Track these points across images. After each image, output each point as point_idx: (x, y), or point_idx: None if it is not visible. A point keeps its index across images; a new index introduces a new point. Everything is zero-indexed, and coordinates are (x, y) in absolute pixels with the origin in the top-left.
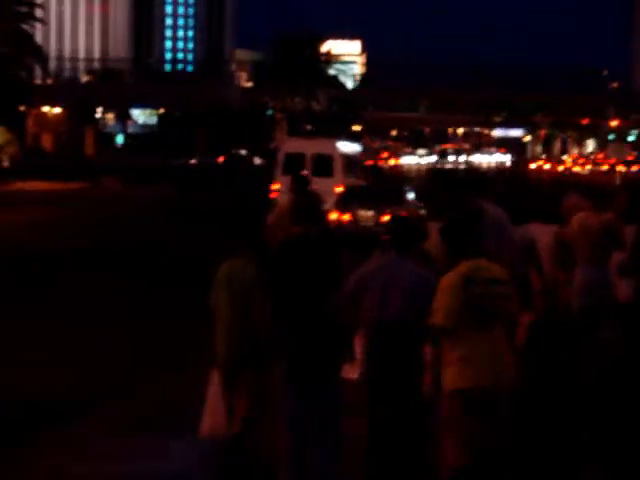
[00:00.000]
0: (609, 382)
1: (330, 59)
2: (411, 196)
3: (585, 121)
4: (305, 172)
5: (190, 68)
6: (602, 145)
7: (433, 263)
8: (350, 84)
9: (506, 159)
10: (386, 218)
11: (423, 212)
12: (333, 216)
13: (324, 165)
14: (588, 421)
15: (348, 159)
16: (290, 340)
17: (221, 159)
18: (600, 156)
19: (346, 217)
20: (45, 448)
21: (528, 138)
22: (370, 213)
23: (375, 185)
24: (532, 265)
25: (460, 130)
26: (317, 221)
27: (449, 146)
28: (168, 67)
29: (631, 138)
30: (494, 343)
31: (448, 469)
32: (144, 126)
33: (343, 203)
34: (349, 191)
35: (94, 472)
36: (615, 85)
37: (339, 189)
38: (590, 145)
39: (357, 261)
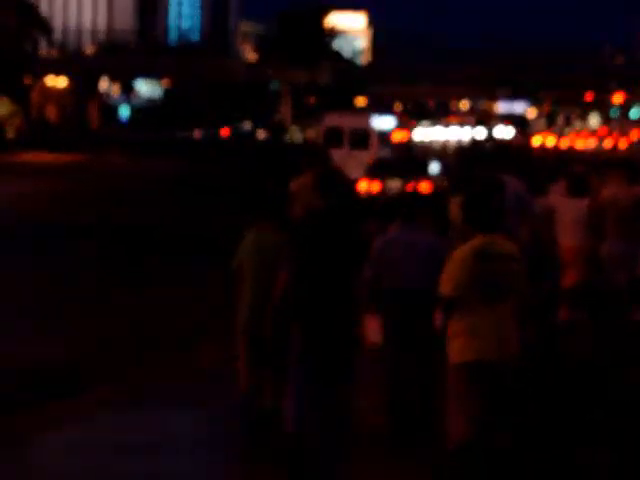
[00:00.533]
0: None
1: (334, 33)
2: (436, 169)
3: (588, 97)
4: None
5: (195, 39)
6: (606, 120)
7: (451, 234)
8: (354, 58)
9: (509, 133)
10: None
11: (446, 184)
12: (363, 185)
13: (360, 139)
14: (604, 398)
15: (382, 133)
16: (310, 336)
17: (225, 133)
18: (604, 131)
19: (375, 186)
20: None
21: (533, 113)
22: (397, 183)
23: (403, 157)
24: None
25: (463, 103)
26: (339, 194)
27: (453, 119)
28: (173, 38)
29: (635, 114)
30: (501, 318)
31: (453, 443)
32: (149, 99)
33: (373, 173)
34: (379, 162)
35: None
36: (619, 59)
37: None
38: (594, 120)
39: (383, 228)
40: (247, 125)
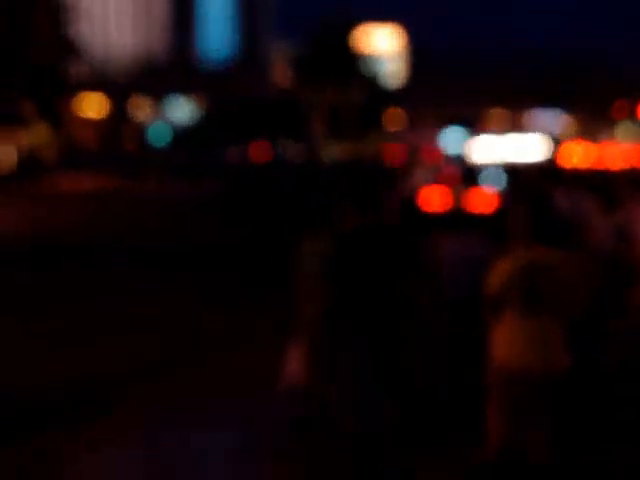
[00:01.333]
0: None
1: (366, 53)
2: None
3: (619, 107)
4: None
5: (228, 59)
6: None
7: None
8: (385, 81)
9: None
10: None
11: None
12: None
13: None
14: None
15: None
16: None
17: (259, 156)
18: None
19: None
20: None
21: (566, 121)
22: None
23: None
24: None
25: (496, 112)
26: (375, 211)
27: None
28: (206, 59)
29: None
30: (543, 328)
31: (491, 448)
32: (184, 121)
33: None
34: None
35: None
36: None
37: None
38: (624, 130)
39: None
40: (282, 144)
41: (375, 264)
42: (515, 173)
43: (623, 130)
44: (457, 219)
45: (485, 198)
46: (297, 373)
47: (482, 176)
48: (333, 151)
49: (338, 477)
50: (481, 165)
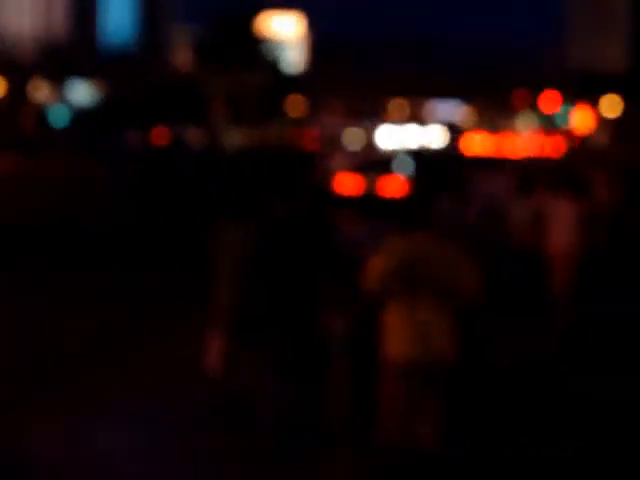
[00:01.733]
0: None
1: (267, 39)
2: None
3: (520, 98)
4: None
5: (130, 42)
6: (537, 122)
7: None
8: (287, 67)
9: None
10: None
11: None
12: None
13: None
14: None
15: None
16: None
17: (159, 141)
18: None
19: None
20: None
21: (465, 113)
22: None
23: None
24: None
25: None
26: (295, 198)
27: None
28: (107, 42)
29: (563, 118)
30: (428, 319)
31: (383, 443)
32: (83, 103)
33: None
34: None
35: None
36: (550, 63)
37: None
38: (525, 121)
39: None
40: (182, 129)
41: (296, 254)
42: (421, 160)
43: (524, 120)
44: (370, 203)
45: (396, 184)
46: (216, 364)
47: (393, 163)
48: (234, 137)
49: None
50: (392, 152)
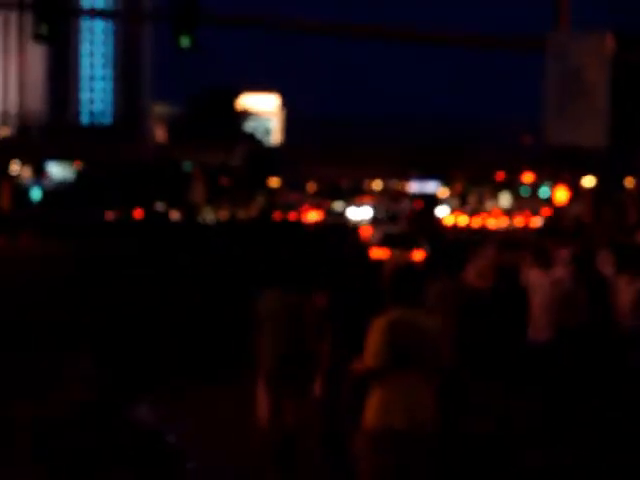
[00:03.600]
0: None
1: (247, 115)
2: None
3: (499, 176)
4: None
5: (107, 121)
6: (517, 199)
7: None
8: (268, 139)
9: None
10: None
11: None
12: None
13: None
14: None
15: None
16: None
17: (138, 214)
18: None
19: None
20: None
21: (445, 193)
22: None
23: None
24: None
25: (376, 183)
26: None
27: (366, 199)
28: (85, 120)
29: (545, 194)
30: (413, 389)
31: None
32: (61, 181)
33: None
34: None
35: None
36: (527, 138)
37: None
38: (505, 199)
39: None
40: (160, 206)
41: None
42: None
43: (503, 199)
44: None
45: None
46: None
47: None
48: (211, 214)
49: None
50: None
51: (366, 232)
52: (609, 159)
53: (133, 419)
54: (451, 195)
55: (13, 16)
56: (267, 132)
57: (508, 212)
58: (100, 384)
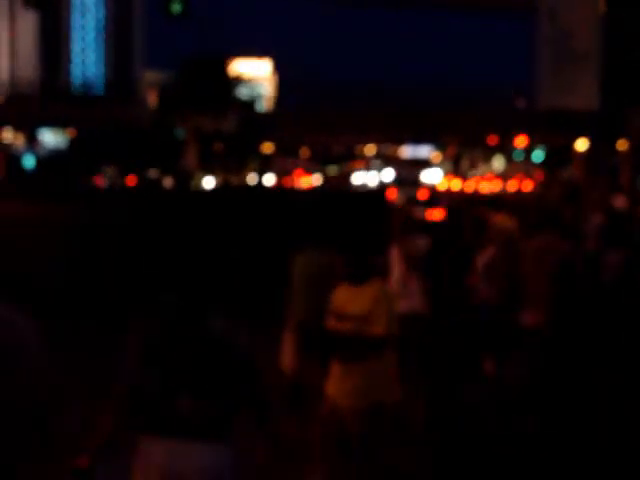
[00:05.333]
0: None
1: (239, 81)
2: None
3: (493, 140)
4: None
5: (99, 89)
6: (510, 163)
7: None
8: (260, 105)
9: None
10: None
11: None
12: None
13: None
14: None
15: None
16: None
17: (131, 181)
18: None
19: None
20: None
21: (438, 157)
22: None
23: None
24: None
25: (369, 148)
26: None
27: (358, 164)
28: (77, 87)
29: (538, 157)
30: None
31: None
32: (54, 149)
33: None
34: None
35: None
36: (521, 102)
37: None
38: (498, 163)
39: None
40: (153, 173)
41: None
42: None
43: (497, 162)
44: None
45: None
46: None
47: None
48: (205, 182)
49: None
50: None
51: (392, 194)
52: (602, 121)
53: (210, 329)
54: (444, 160)
55: None
56: (260, 98)
57: (502, 176)
58: (179, 307)
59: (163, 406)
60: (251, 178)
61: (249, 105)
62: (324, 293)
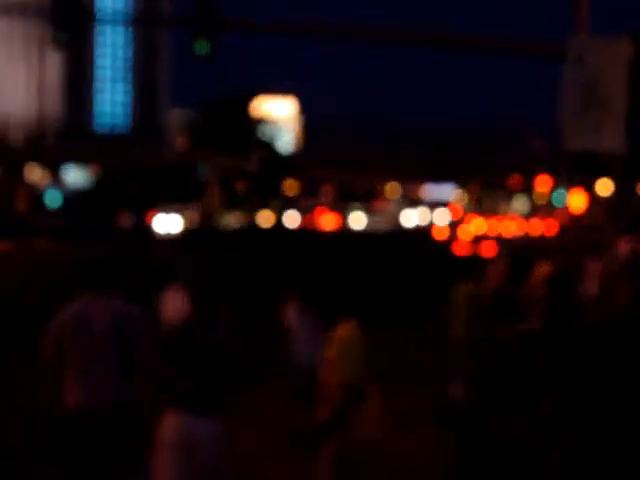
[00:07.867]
0: None
1: (263, 121)
2: None
3: (514, 181)
4: None
5: (125, 125)
6: (533, 204)
7: None
8: (283, 144)
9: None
10: None
11: None
12: None
13: None
14: None
15: None
16: None
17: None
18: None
19: None
20: None
21: (460, 196)
22: None
23: None
24: None
25: (390, 187)
26: None
27: (380, 203)
28: (102, 125)
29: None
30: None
31: None
32: (78, 186)
33: None
34: None
35: None
36: (540, 142)
37: None
38: (521, 203)
39: None
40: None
41: None
42: None
43: (519, 203)
44: None
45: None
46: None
47: None
48: (227, 219)
49: None
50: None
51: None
52: (626, 165)
53: (216, 331)
54: (468, 199)
55: (33, 22)
56: (282, 137)
57: (525, 216)
58: (196, 314)
59: (179, 387)
60: (271, 216)
61: (270, 145)
62: None
